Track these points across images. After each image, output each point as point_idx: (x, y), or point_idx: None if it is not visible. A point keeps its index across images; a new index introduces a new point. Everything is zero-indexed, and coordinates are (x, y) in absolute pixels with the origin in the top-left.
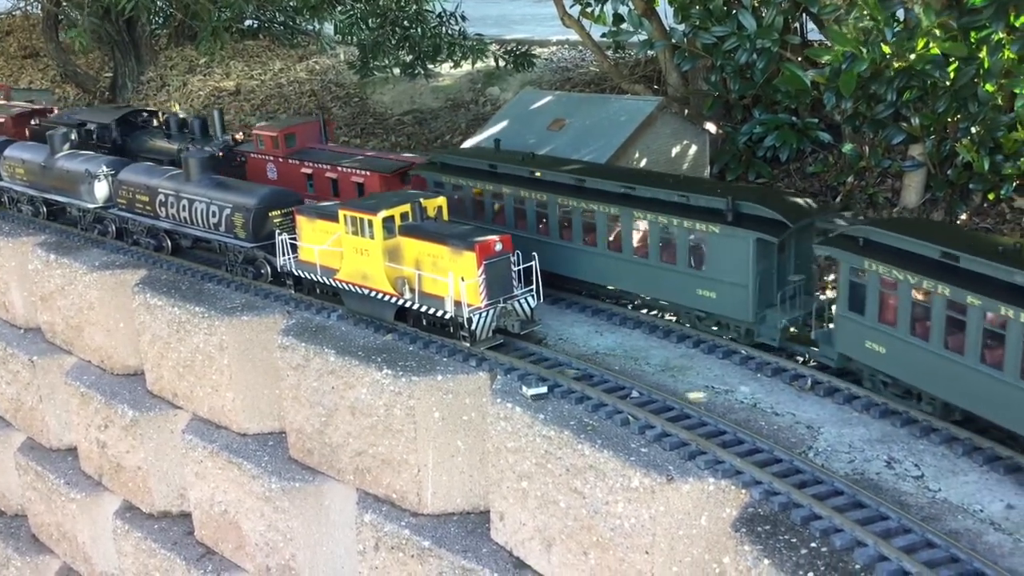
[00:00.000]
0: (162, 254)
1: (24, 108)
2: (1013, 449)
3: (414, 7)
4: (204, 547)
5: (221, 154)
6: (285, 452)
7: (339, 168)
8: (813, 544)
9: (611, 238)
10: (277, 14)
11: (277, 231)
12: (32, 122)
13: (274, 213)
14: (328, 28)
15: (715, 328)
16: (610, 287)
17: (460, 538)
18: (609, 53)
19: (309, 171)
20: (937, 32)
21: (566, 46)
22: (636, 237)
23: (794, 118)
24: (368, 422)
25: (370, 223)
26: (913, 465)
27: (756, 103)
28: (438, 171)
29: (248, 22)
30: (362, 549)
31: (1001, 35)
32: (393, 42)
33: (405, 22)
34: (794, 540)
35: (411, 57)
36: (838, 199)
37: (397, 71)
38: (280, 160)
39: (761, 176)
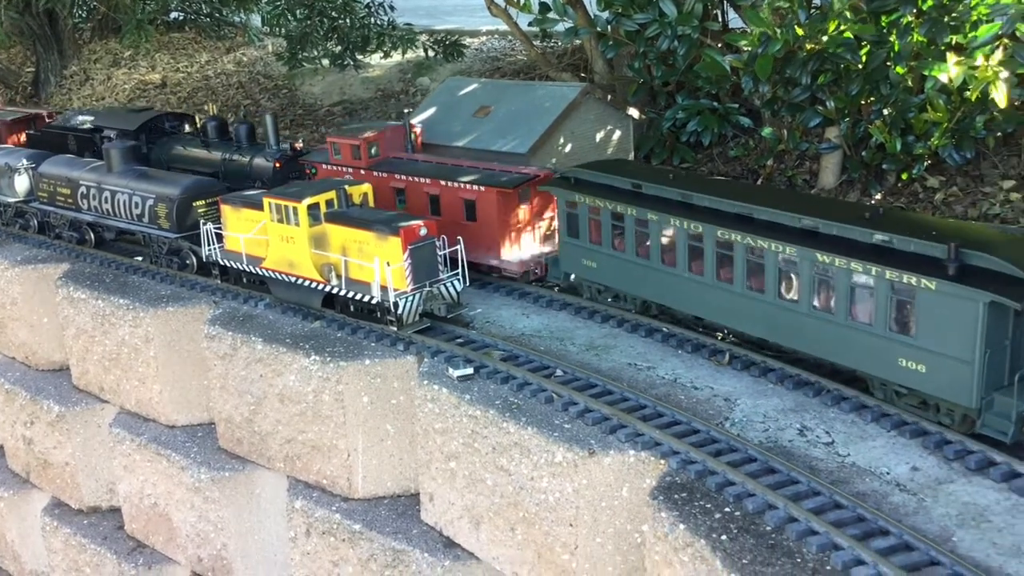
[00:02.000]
0: (85, 247)
1: (20, 114)
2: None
3: None
4: (135, 541)
5: (279, 164)
6: (215, 443)
7: (444, 183)
8: (727, 509)
9: (783, 286)
10: (203, 6)
11: (202, 221)
12: (29, 130)
13: (198, 203)
14: (255, 19)
15: (919, 408)
16: (781, 344)
17: (391, 520)
18: (537, 42)
19: (400, 185)
20: (848, 15)
21: (496, 36)
22: (818, 287)
23: (715, 103)
24: (297, 409)
25: (295, 210)
26: (824, 432)
27: (679, 89)
28: (571, 188)
29: (173, 14)
30: (293, 536)
31: (910, 18)
32: (321, 33)
33: (333, 13)
34: (709, 506)
35: (340, 48)
36: (759, 182)
37: (326, 62)
38: (362, 173)
39: (685, 161)
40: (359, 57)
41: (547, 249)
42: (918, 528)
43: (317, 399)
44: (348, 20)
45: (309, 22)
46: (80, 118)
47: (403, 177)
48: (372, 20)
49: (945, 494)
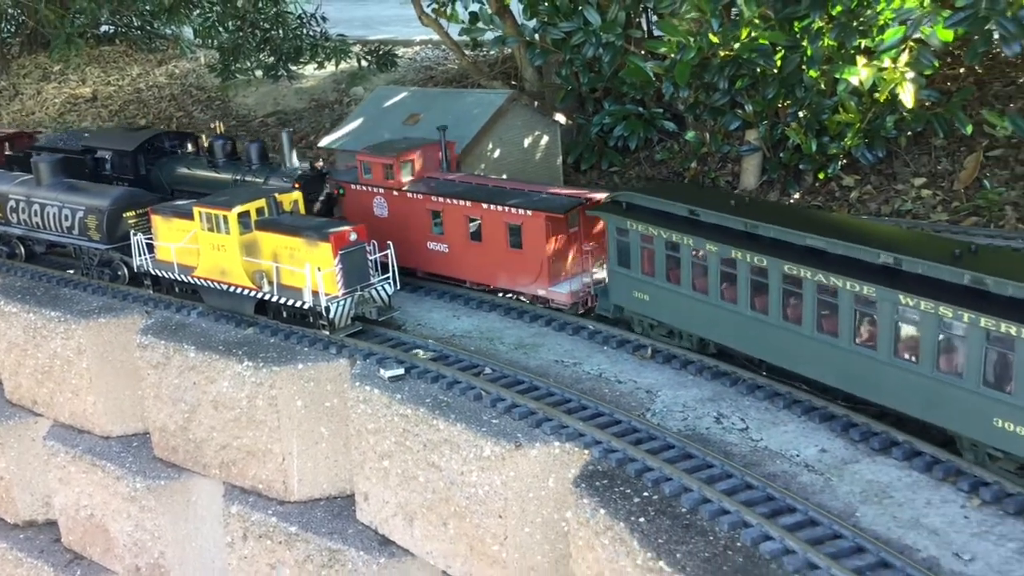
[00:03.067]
0: (16, 261)
1: (3, 133)
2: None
3: (273, 9)
4: (72, 553)
5: (298, 186)
6: (150, 452)
7: (486, 206)
8: (645, 493)
9: (860, 329)
10: (134, 19)
11: (132, 232)
12: (8, 151)
13: (128, 214)
14: (187, 32)
15: (1017, 474)
16: (856, 395)
17: (327, 521)
18: (469, 51)
19: (437, 208)
20: (758, 22)
21: (429, 46)
22: (900, 332)
23: (641, 108)
24: (231, 415)
25: (225, 219)
26: (739, 419)
27: (607, 95)
28: (622, 214)
29: (104, 28)
30: (230, 540)
31: (820, 23)
32: (254, 44)
33: (265, 24)
34: (628, 491)
35: (273, 59)
36: (684, 182)
37: (259, 73)
38: (394, 193)
39: (613, 165)
40: (292, 68)
41: (596, 278)
42: (824, 505)
43: (251, 404)
44: (280, 32)
45: (241, 34)
46: (69, 137)
47: (440, 199)
48: (304, 32)
49: (850, 473)
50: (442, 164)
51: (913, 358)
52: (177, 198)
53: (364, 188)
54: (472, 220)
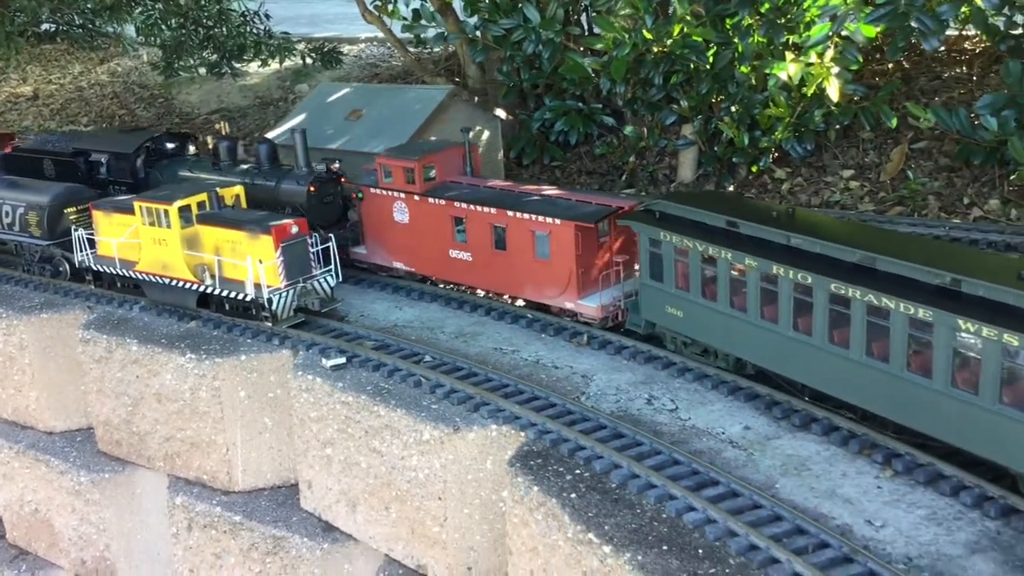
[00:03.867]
0: None
1: None
2: (754, 381)
3: (216, 7)
4: (17, 548)
5: (313, 189)
6: (94, 447)
7: (512, 213)
8: (577, 471)
9: (914, 355)
10: (75, 17)
11: (73, 227)
12: None
13: (69, 210)
14: (129, 29)
15: None
16: (908, 427)
17: (271, 510)
18: (414, 48)
19: (460, 214)
20: (689, 19)
21: (374, 43)
22: (959, 360)
23: (581, 104)
24: (175, 407)
25: (166, 213)
26: (669, 400)
27: (547, 91)
28: (655, 224)
29: (44, 26)
30: (175, 532)
31: (750, 20)
32: (196, 42)
33: (208, 22)
34: (561, 469)
35: (216, 56)
36: (623, 177)
37: (203, 71)
38: (415, 198)
39: (555, 159)
40: (236, 66)
41: (627, 291)
42: (746, 478)
43: (194, 396)
44: (223, 29)
45: (184, 31)
46: (59, 140)
47: (463, 205)
48: (248, 29)
49: (772, 448)
50: (466, 168)
51: (973, 389)
52: None
53: (384, 192)
54: (497, 228)
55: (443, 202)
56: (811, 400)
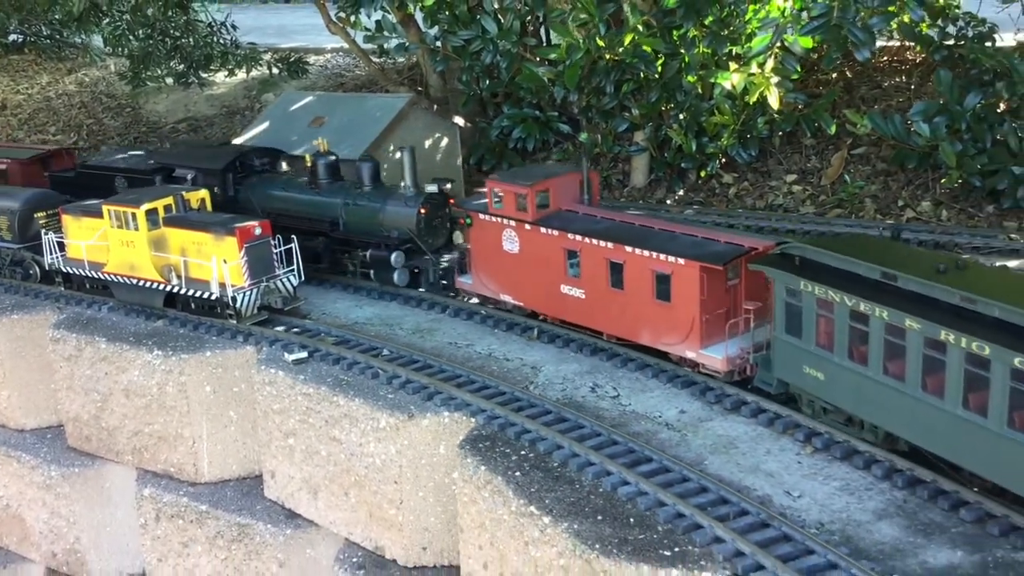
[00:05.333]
0: None
1: (39, 151)
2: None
3: (183, 18)
4: None
5: (424, 211)
6: (64, 443)
7: (630, 249)
8: (523, 451)
9: None
10: (43, 28)
11: (43, 231)
12: (52, 170)
13: (39, 214)
14: (97, 40)
15: None
16: None
17: (236, 500)
18: (378, 58)
19: (574, 247)
20: (640, 28)
21: (340, 53)
22: None
23: (538, 112)
24: (142, 402)
25: (134, 215)
26: (612, 388)
27: (506, 99)
28: (794, 270)
29: (12, 36)
30: (143, 522)
31: (695, 32)
32: (163, 52)
33: (175, 32)
34: (508, 450)
35: (183, 66)
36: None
37: (170, 80)
38: (526, 227)
39: (513, 166)
40: (203, 75)
41: (757, 342)
42: (678, 456)
43: (161, 391)
44: (190, 40)
45: (151, 42)
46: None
47: (578, 237)
48: (214, 39)
49: (704, 429)
50: (583, 196)
51: None
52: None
53: (493, 219)
54: (613, 264)
55: (556, 233)
56: (981, 490)
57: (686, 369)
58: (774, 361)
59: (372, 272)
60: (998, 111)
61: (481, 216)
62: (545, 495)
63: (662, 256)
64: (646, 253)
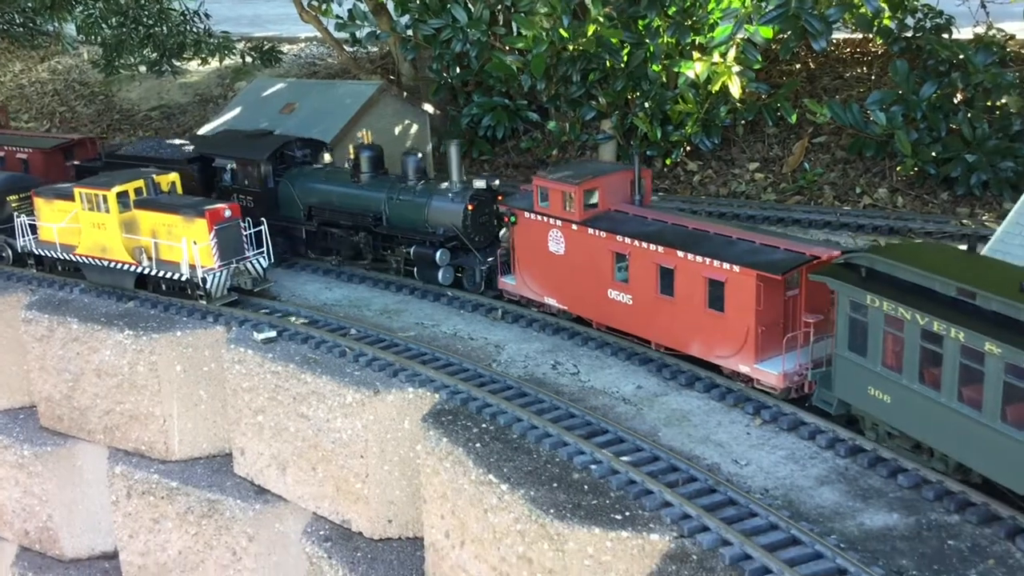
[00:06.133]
0: None
1: (61, 140)
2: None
3: (156, 6)
4: None
5: (471, 207)
6: (36, 423)
7: (682, 254)
8: (484, 424)
9: None
10: (15, 16)
11: (15, 214)
12: (81, 159)
13: (12, 197)
14: (70, 28)
15: None
16: None
17: (206, 476)
18: (351, 47)
19: (622, 250)
20: (602, 19)
21: (313, 42)
22: None
23: (507, 101)
24: (114, 382)
25: (105, 198)
26: (572, 365)
27: (476, 88)
28: (860, 283)
29: None
30: (115, 499)
31: (659, 22)
32: (136, 40)
33: (148, 20)
34: (469, 424)
35: (156, 54)
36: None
37: (143, 68)
38: (573, 227)
39: (483, 153)
40: (176, 64)
41: (816, 358)
42: (633, 428)
43: (132, 371)
44: (164, 28)
45: (124, 30)
46: (170, 144)
47: (626, 240)
48: (188, 28)
49: (659, 404)
50: (634, 196)
51: None
52: (314, 219)
53: (539, 218)
54: (664, 269)
55: (604, 234)
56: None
57: (643, 347)
58: (835, 380)
59: (415, 270)
60: (953, 101)
61: (526, 214)
62: (504, 465)
63: (716, 262)
64: (699, 259)
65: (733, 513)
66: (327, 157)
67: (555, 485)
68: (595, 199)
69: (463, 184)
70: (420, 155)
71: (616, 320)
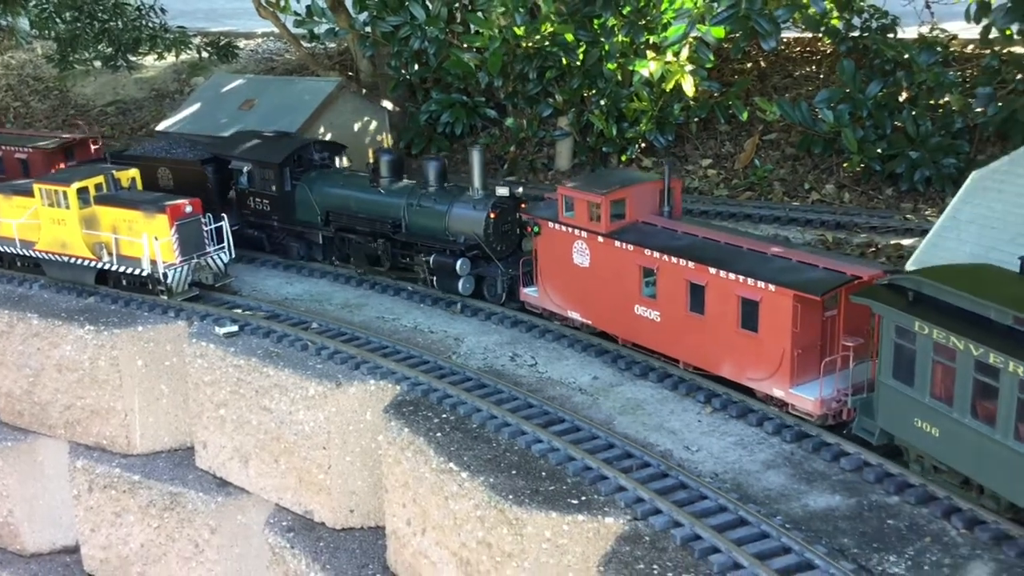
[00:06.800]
0: None
1: (62, 140)
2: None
3: (111, 1)
4: None
5: (494, 215)
6: None
7: (714, 271)
8: (444, 415)
9: None
10: None
11: None
12: (70, 160)
13: None
14: (23, 22)
15: None
16: None
17: (168, 470)
18: (309, 43)
19: (650, 264)
20: (554, 18)
21: (271, 38)
22: None
23: (466, 97)
24: (75, 376)
25: (65, 194)
26: (530, 357)
27: (435, 84)
28: (907, 308)
29: None
30: (76, 493)
31: (614, 21)
32: (91, 35)
33: (102, 15)
34: (430, 414)
35: (112, 49)
36: (505, 166)
37: (98, 64)
38: (599, 239)
39: (442, 150)
40: (131, 59)
41: (856, 382)
42: (589, 416)
43: (93, 365)
44: (119, 23)
45: (79, 24)
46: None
47: (655, 254)
48: (143, 23)
49: (615, 393)
50: (663, 207)
51: None
52: (332, 224)
53: (563, 228)
54: (694, 286)
55: (631, 247)
56: None
57: (598, 338)
58: (878, 408)
59: (434, 279)
60: (898, 100)
61: (550, 225)
62: (464, 453)
63: (750, 280)
64: (732, 276)
65: (684, 496)
66: (345, 161)
67: (514, 472)
68: (623, 210)
69: (485, 191)
70: (441, 160)
71: (642, 337)
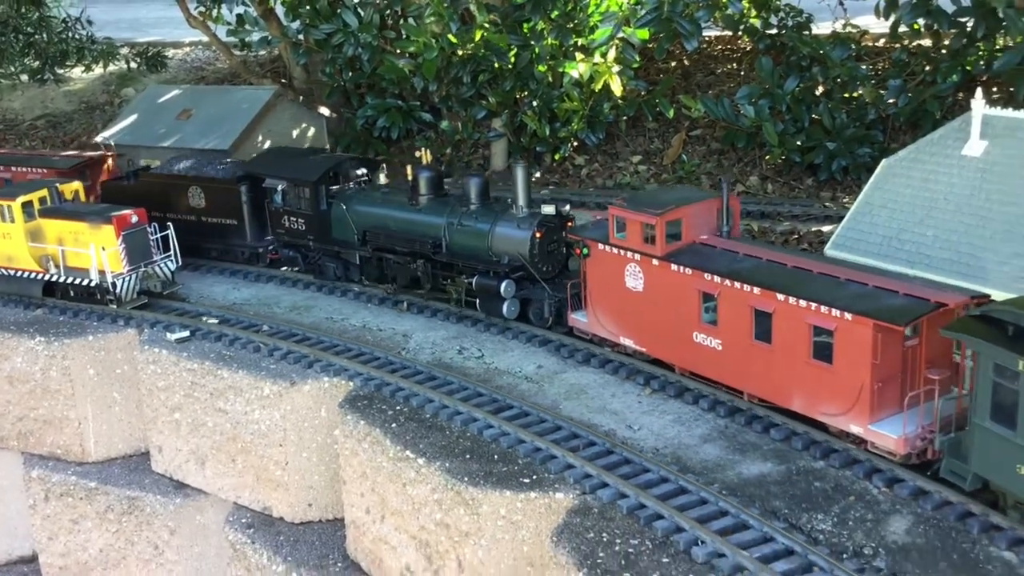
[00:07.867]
0: None
1: (80, 159)
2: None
3: (36, 14)
4: None
5: (539, 235)
6: None
7: (782, 297)
8: (398, 407)
9: None
10: None
11: None
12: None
13: None
14: None
15: None
16: None
17: (124, 475)
18: (240, 51)
19: (711, 290)
20: (488, 26)
21: (199, 47)
22: None
23: (401, 102)
24: (26, 388)
25: (9, 208)
26: (477, 349)
27: (370, 90)
28: (1006, 343)
29: None
30: (32, 503)
31: (544, 25)
32: (17, 48)
33: (28, 28)
34: (384, 407)
35: (39, 63)
36: (442, 168)
37: (25, 77)
38: (654, 263)
39: (379, 154)
40: (59, 71)
41: (944, 417)
42: (536, 402)
43: (45, 376)
44: (44, 36)
45: (3, 38)
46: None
47: (715, 278)
48: (69, 35)
49: (559, 380)
50: (721, 227)
51: None
52: (369, 244)
53: (615, 251)
54: (760, 313)
55: (689, 271)
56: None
57: (541, 330)
58: (971, 451)
59: (477, 302)
60: (814, 94)
61: (601, 246)
62: (419, 441)
63: (823, 308)
64: (802, 303)
65: (628, 470)
66: (382, 178)
67: (468, 456)
68: (679, 231)
69: (530, 209)
70: (483, 177)
71: (702, 367)
